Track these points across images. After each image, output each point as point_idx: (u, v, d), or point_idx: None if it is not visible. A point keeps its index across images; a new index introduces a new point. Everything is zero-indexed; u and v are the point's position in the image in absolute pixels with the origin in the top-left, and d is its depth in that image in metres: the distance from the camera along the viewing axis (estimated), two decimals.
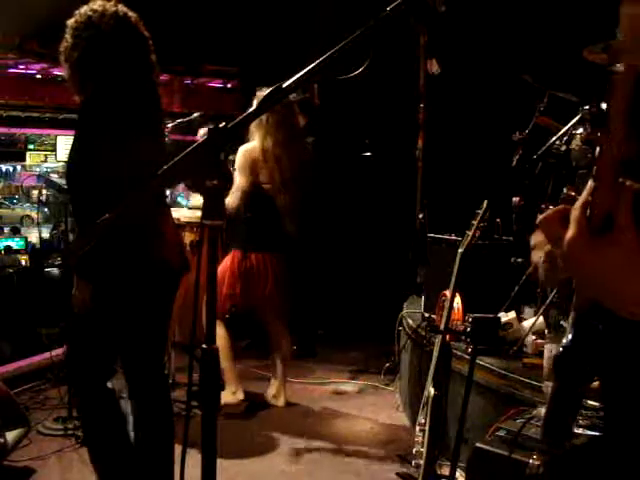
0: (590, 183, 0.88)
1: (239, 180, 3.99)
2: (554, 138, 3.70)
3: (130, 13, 2.59)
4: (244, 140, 4.03)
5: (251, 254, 4.05)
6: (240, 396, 4.22)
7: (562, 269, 0.92)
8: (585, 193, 0.90)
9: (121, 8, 2.57)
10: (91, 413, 2.68)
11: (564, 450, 1.08)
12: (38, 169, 5.60)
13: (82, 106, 2.58)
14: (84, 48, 2.51)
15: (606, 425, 1.14)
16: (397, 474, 3.33)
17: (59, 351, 4.02)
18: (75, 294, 2.57)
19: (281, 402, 4.27)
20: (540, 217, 0.94)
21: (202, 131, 4.10)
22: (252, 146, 3.98)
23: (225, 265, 4.07)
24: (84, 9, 2.55)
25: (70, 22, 2.56)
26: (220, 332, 3.98)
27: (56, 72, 4.74)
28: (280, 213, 4.03)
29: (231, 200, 3.96)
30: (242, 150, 3.99)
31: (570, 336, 1.05)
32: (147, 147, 2.58)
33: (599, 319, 1.00)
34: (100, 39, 2.51)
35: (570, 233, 0.87)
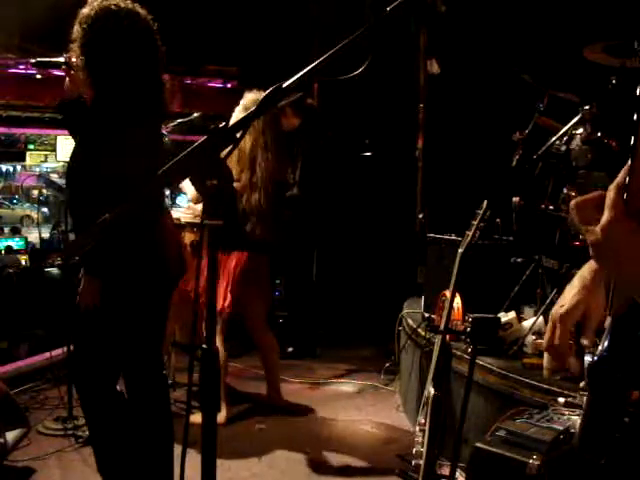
0: (628, 164, 0.80)
1: None
2: (554, 138, 3.70)
3: (148, 15, 2.58)
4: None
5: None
6: (223, 414, 3.94)
7: (594, 257, 0.84)
8: (621, 175, 0.82)
9: (141, 9, 2.56)
10: (99, 415, 2.67)
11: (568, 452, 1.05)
12: (38, 169, 5.61)
13: (91, 105, 2.57)
14: (104, 42, 2.48)
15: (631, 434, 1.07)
16: (397, 474, 3.33)
17: (59, 351, 4.02)
18: (82, 291, 2.55)
19: (279, 401, 4.26)
20: (573, 201, 0.88)
21: None
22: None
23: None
24: (99, 1, 2.51)
25: (86, 12, 2.48)
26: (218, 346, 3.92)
27: (56, 72, 4.72)
28: (245, 213, 3.93)
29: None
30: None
31: (606, 343, 0.98)
32: (151, 148, 2.59)
33: (638, 324, 0.94)
34: (123, 35, 2.48)
35: (605, 217, 0.81)
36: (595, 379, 1.02)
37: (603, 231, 0.81)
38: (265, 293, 4.19)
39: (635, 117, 0.79)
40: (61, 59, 2.65)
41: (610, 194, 0.81)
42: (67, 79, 2.63)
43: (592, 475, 1.09)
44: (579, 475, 1.11)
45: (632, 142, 0.79)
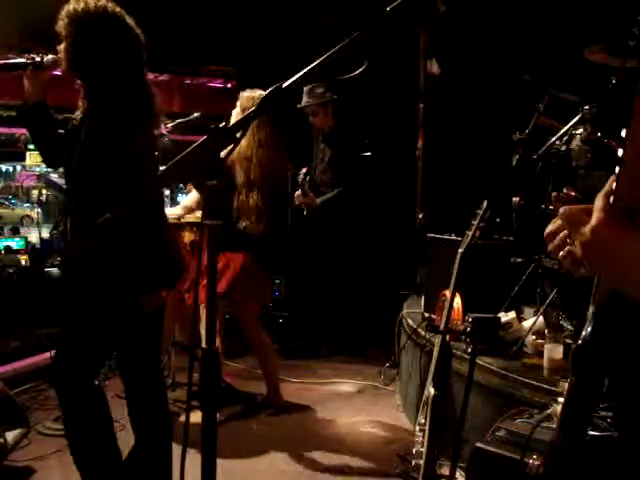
0: (616, 171, 0.87)
1: None
2: (554, 138, 3.70)
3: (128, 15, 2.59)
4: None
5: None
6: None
7: (583, 260, 0.91)
8: (608, 184, 0.89)
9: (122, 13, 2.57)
10: (79, 413, 2.66)
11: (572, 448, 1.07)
12: (38, 169, 5.60)
13: (90, 110, 2.58)
14: (99, 38, 2.48)
15: (617, 423, 1.12)
16: (397, 474, 3.33)
17: None
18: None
19: (278, 401, 4.25)
20: (562, 209, 0.94)
21: None
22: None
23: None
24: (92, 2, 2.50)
25: (74, 8, 2.48)
26: None
27: (56, 72, 4.73)
28: (238, 212, 3.96)
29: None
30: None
31: (589, 329, 1.04)
32: (148, 147, 2.58)
33: (619, 311, 0.99)
34: (115, 32, 2.49)
35: (594, 219, 0.86)
36: (579, 363, 1.07)
37: (592, 232, 0.87)
38: (258, 293, 4.16)
39: (624, 133, 0.84)
40: (22, 60, 2.64)
41: (598, 201, 0.88)
42: (28, 81, 2.61)
43: (593, 475, 1.10)
44: (584, 474, 1.12)
45: (621, 153, 0.84)
